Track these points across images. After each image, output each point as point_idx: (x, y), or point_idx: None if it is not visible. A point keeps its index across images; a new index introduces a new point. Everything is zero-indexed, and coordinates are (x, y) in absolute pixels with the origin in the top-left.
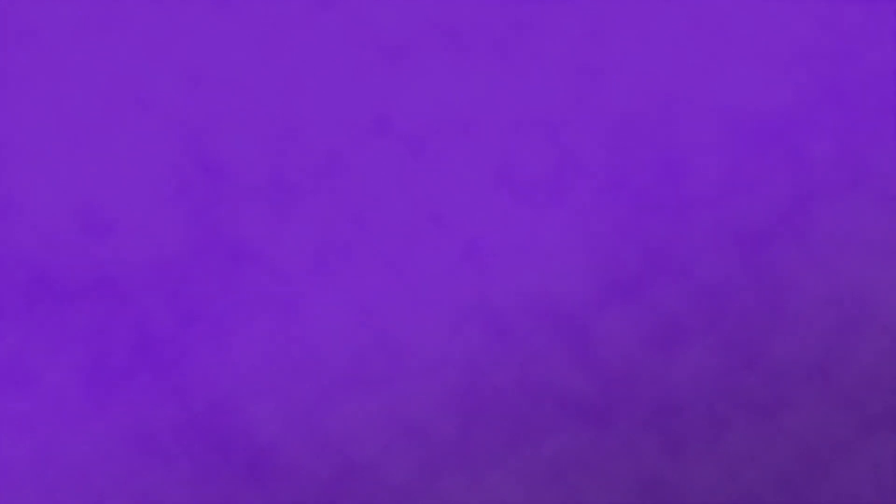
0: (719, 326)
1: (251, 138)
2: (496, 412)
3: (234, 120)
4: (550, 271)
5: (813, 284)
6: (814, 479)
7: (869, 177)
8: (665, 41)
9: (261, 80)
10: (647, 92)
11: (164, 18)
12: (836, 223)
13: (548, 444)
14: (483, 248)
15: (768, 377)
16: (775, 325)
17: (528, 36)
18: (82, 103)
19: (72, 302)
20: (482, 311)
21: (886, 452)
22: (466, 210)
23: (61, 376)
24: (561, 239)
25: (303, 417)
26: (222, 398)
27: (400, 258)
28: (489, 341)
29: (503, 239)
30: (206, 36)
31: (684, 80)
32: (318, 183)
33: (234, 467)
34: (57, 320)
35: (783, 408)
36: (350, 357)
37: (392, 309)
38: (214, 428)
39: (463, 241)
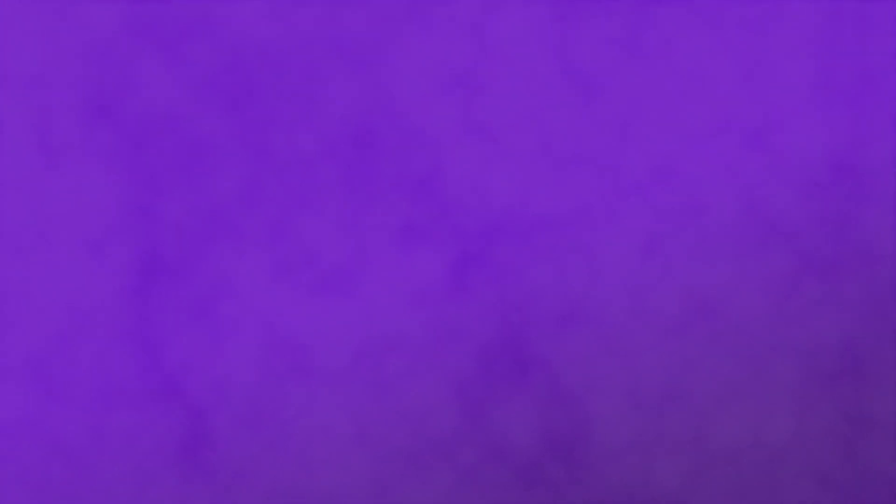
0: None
1: (249, 137)
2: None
3: (229, 120)
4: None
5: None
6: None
7: (872, 177)
8: (664, 40)
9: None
10: (644, 92)
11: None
12: (837, 223)
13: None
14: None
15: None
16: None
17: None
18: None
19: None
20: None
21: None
22: (468, 210)
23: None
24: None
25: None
26: (220, 396)
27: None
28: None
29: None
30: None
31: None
32: (316, 182)
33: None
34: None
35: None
36: (347, 359)
37: (396, 309)
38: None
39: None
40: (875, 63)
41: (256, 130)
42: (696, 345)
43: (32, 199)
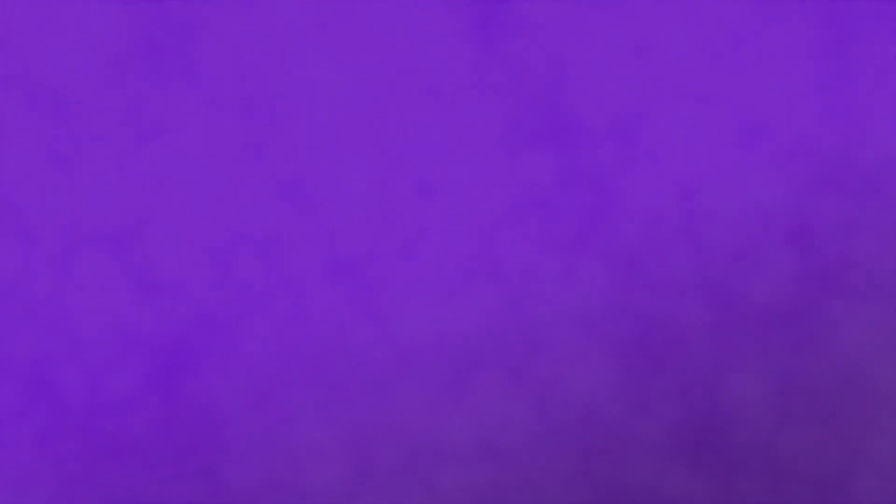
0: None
1: (259, 138)
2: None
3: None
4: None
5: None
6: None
7: (874, 177)
8: (661, 41)
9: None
10: (643, 94)
11: None
12: (843, 225)
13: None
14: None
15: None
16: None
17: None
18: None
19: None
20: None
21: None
22: (477, 214)
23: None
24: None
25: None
26: (226, 397)
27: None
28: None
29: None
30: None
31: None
32: (326, 186)
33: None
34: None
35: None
36: (350, 358)
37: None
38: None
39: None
40: (875, 62)
41: (264, 139)
42: (697, 345)
43: (33, 199)
